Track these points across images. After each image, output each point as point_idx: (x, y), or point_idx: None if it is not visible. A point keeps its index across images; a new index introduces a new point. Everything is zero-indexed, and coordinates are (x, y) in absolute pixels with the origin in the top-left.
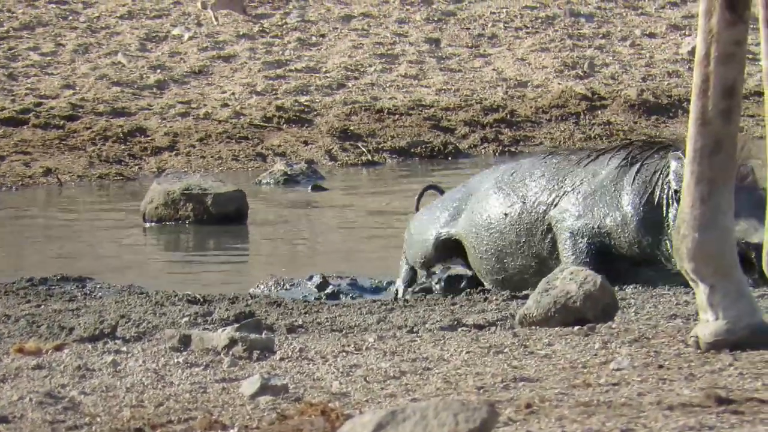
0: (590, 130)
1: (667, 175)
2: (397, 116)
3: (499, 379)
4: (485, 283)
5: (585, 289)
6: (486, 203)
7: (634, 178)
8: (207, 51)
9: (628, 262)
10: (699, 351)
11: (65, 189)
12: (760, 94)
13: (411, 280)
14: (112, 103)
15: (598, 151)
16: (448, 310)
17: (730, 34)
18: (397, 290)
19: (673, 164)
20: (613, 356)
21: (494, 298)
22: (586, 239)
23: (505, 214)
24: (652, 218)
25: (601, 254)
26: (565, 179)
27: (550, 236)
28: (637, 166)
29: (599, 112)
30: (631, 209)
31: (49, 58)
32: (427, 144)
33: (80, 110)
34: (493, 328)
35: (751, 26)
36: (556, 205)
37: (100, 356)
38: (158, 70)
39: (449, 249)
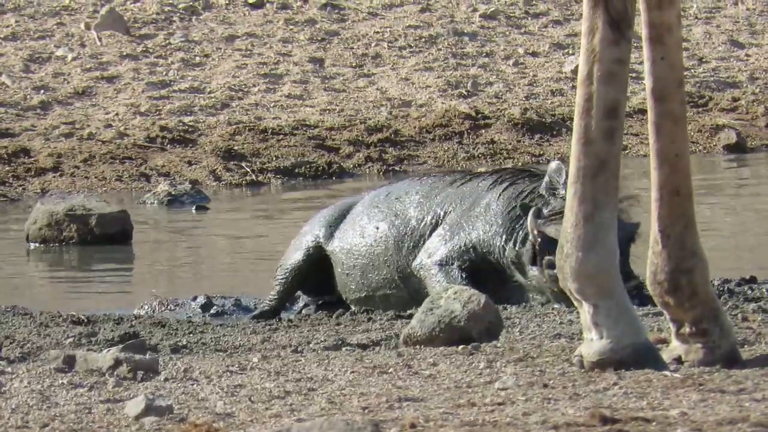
0: (474, 149)
1: (531, 192)
2: (281, 136)
3: (384, 399)
4: (349, 304)
5: (469, 309)
6: (360, 218)
7: (500, 195)
8: (90, 72)
9: (496, 278)
10: (583, 370)
11: None
12: (644, 112)
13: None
14: None
15: (471, 174)
16: (332, 330)
17: (612, 54)
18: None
19: (553, 165)
20: (497, 375)
21: (378, 317)
22: (456, 264)
23: (377, 228)
24: (511, 228)
25: (472, 275)
26: (437, 197)
27: (416, 251)
28: (506, 185)
29: (483, 131)
30: (496, 219)
31: None
32: (312, 164)
33: None
34: (378, 348)
35: (635, 44)
36: (425, 224)
37: None
38: (42, 91)
39: (315, 264)
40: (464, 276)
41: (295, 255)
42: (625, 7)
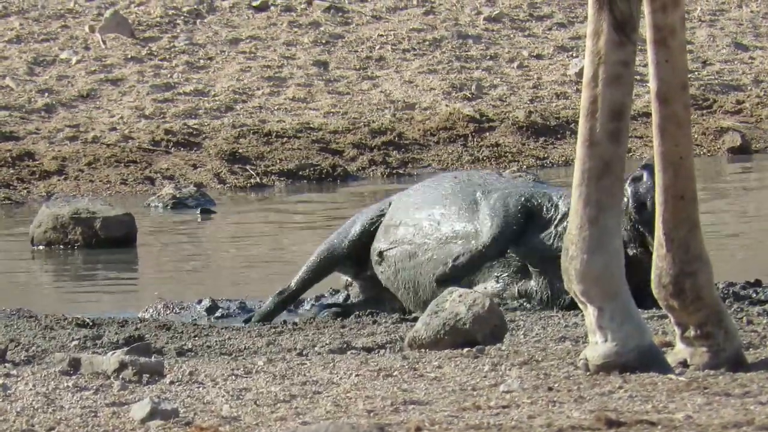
0: (478, 152)
1: None
2: (285, 139)
3: (389, 402)
4: (373, 261)
5: (474, 311)
6: (412, 190)
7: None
8: (95, 74)
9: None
10: (588, 373)
11: None
12: (648, 115)
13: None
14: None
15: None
16: (337, 333)
17: (617, 56)
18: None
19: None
20: (502, 378)
21: (383, 320)
22: (515, 198)
23: (425, 191)
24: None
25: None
26: (487, 180)
27: (466, 212)
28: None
29: (487, 134)
30: (552, 187)
31: None
32: (316, 167)
33: None
34: (383, 351)
35: (639, 47)
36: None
37: None
38: (46, 94)
39: (365, 245)
40: (520, 209)
41: (355, 223)
42: (630, 9)
